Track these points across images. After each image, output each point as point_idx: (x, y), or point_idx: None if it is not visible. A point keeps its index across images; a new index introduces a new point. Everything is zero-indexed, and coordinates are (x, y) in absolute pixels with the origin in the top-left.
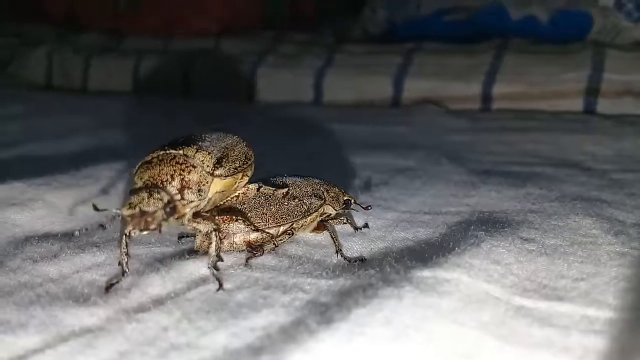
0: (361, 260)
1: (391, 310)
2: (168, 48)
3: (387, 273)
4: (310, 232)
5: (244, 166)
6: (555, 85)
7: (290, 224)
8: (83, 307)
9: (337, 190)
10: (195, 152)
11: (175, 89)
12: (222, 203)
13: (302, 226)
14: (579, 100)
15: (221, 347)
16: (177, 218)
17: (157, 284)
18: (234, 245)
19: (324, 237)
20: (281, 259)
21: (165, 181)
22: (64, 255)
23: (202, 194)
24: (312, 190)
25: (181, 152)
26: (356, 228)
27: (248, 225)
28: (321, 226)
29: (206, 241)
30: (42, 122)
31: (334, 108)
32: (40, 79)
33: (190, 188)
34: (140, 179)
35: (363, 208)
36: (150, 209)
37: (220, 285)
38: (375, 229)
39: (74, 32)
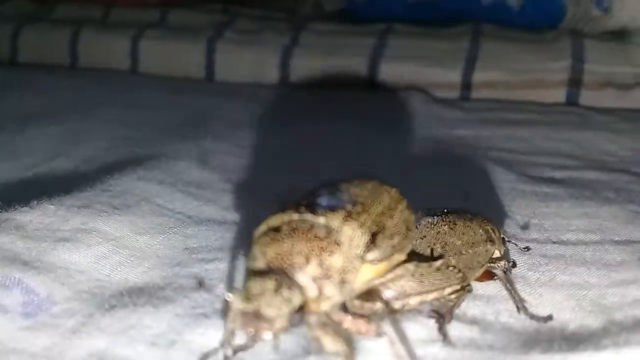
0: (549, 318)
1: None
2: (109, 18)
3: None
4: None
5: (404, 242)
6: (536, 74)
7: (468, 278)
8: None
9: (497, 228)
10: (343, 223)
11: (120, 63)
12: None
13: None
14: (561, 91)
15: None
16: None
17: None
18: (407, 306)
19: (483, 286)
20: (467, 325)
21: (299, 266)
22: (187, 330)
23: (346, 287)
24: (485, 233)
25: (322, 220)
26: (509, 270)
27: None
28: (487, 274)
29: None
30: None
31: (303, 91)
32: None
33: (331, 277)
34: (263, 254)
35: (521, 249)
36: (273, 312)
37: None
38: (526, 269)
39: None
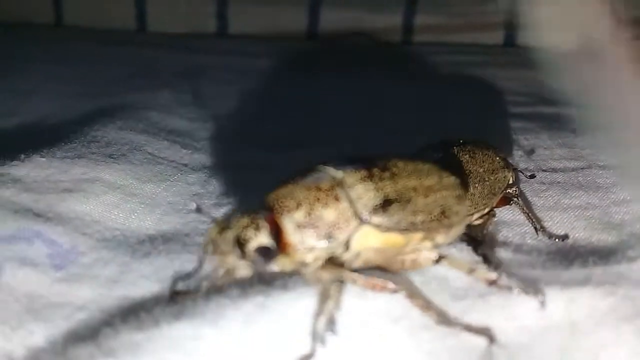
0: (566, 237)
1: None
2: None
3: None
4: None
5: (432, 224)
6: (475, 17)
7: (492, 203)
8: None
9: (506, 156)
10: (359, 182)
11: (43, 16)
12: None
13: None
14: (499, 32)
15: None
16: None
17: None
18: None
19: (497, 212)
20: (499, 248)
21: (287, 209)
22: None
23: (332, 241)
24: (502, 160)
25: (340, 175)
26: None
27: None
28: (503, 199)
29: None
30: None
31: (244, 40)
32: None
33: (317, 228)
34: (270, 194)
35: (527, 176)
36: (226, 247)
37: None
38: (530, 195)
39: None
